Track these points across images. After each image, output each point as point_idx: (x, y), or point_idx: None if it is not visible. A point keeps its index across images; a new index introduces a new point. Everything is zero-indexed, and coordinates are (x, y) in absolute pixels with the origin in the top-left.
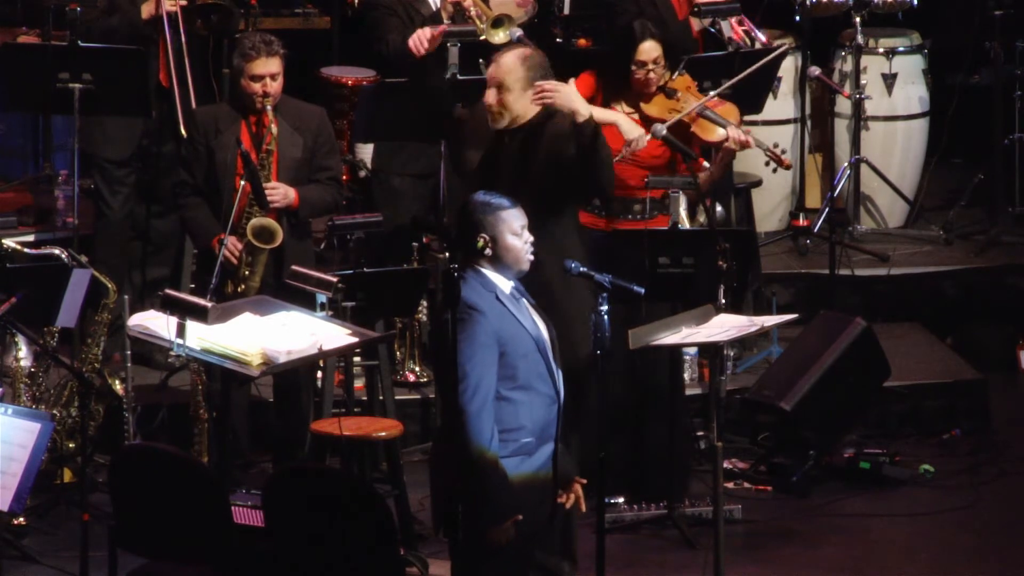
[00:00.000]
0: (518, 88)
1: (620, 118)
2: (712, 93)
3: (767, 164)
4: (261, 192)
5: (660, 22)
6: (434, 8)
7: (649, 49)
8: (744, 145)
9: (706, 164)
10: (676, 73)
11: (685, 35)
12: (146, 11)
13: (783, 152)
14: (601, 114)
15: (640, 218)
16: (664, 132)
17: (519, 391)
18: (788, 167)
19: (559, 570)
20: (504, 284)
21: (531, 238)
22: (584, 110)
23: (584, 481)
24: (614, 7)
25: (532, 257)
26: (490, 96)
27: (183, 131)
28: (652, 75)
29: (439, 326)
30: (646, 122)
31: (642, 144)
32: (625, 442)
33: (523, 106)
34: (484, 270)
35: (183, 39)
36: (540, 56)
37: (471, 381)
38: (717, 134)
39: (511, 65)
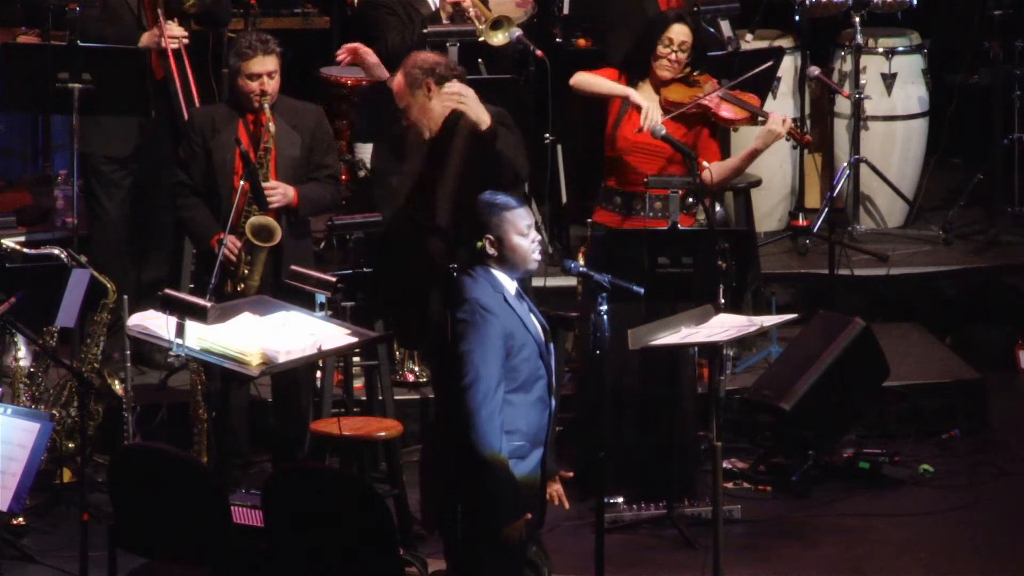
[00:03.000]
0: (413, 103)
1: (630, 91)
2: (733, 83)
3: (788, 140)
4: (260, 192)
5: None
6: (433, 8)
7: (680, 31)
8: (785, 129)
9: (705, 164)
10: (699, 72)
11: None
12: (144, 40)
13: (804, 132)
14: (610, 87)
15: (664, 216)
16: (664, 132)
17: (518, 393)
18: (808, 144)
19: (531, 558)
20: (509, 285)
21: (539, 237)
22: (486, 119)
23: (569, 474)
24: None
25: (539, 257)
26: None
27: (185, 115)
28: (675, 57)
29: (446, 327)
30: (666, 109)
31: (652, 117)
32: (637, 441)
33: (430, 114)
34: (493, 270)
35: (188, 71)
36: (422, 60)
37: (484, 384)
38: (743, 115)
39: (396, 88)
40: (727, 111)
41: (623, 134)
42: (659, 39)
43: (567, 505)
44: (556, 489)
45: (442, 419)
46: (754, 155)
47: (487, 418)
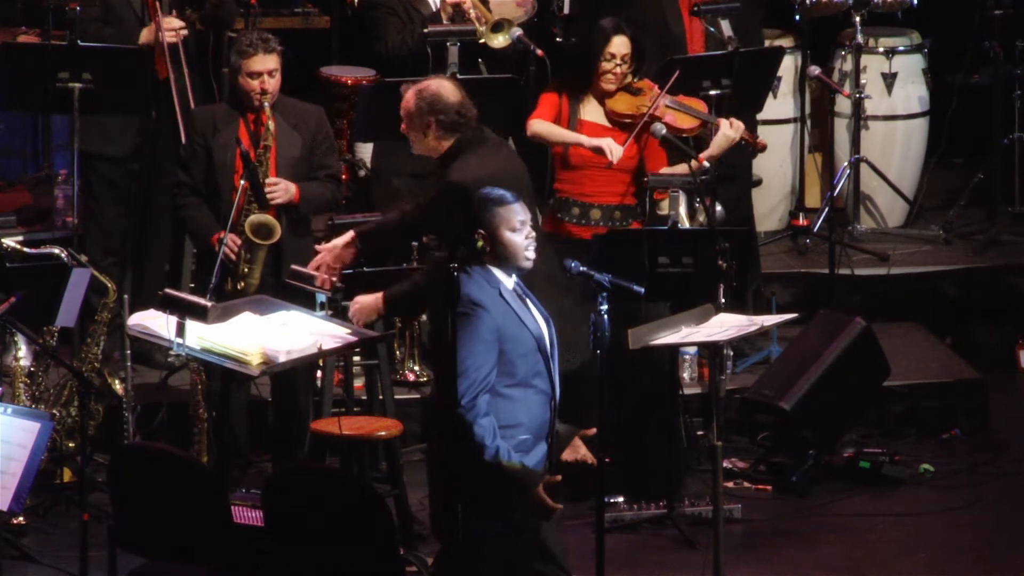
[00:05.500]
0: (412, 130)
1: (581, 139)
2: (666, 88)
3: (742, 144)
4: (261, 191)
5: (663, 23)
6: (434, 8)
7: (620, 44)
8: (738, 133)
9: (706, 163)
10: (637, 77)
11: (681, 37)
12: (144, 36)
13: (756, 136)
14: (565, 136)
15: (621, 225)
16: (664, 132)
17: (517, 388)
18: (763, 148)
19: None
20: (507, 281)
21: (533, 234)
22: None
23: (592, 431)
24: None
25: (534, 253)
26: None
27: (183, 137)
28: (619, 70)
29: (439, 322)
30: (612, 120)
31: (616, 150)
32: (626, 442)
33: (426, 145)
34: (489, 266)
35: (185, 70)
36: (430, 98)
37: (470, 376)
38: (690, 122)
39: (404, 111)
40: (676, 120)
41: (576, 150)
42: (601, 54)
43: (593, 460)
44: (583, 454)
45: (436, 416)
46: (709, 161)
47: (468, 407)
